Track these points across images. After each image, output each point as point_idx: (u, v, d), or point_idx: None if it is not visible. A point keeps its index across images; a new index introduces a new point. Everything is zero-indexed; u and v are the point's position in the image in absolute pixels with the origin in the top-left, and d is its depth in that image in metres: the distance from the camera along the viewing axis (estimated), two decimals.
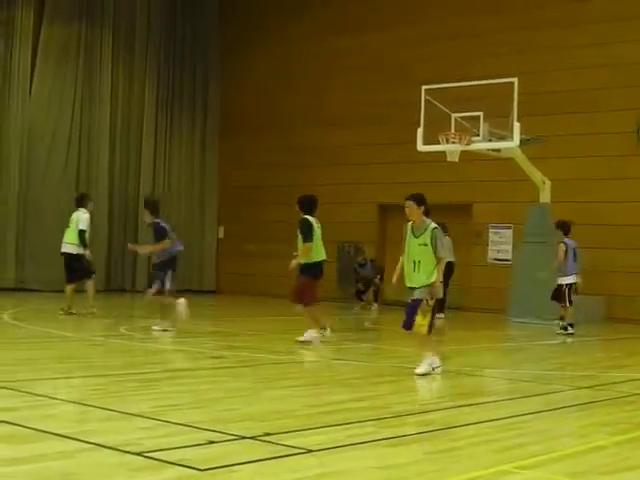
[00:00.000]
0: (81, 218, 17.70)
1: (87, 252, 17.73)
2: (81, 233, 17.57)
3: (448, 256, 21.14)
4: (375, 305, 23.30)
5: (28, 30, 25.65)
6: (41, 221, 25.68)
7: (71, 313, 17.31)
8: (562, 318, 17.82)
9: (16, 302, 21.70)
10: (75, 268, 17.75)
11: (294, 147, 27.64)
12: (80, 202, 18.21)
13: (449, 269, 20.89)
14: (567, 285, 17.70)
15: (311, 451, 6.29)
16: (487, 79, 19.46)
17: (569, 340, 16.94)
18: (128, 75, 27.96)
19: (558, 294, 17.82)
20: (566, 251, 17.66)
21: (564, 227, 18.17)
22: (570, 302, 17.62)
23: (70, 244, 17.82)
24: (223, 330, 17.52)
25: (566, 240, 17.90)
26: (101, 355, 12.21)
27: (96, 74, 27.02)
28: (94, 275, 18.38)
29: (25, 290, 24.68)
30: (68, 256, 17.87)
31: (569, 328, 17.43)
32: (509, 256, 22.67)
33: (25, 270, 25.36)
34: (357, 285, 24.08)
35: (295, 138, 27.67)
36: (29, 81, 25.78)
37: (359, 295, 23.99)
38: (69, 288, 17.72)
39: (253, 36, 29.00)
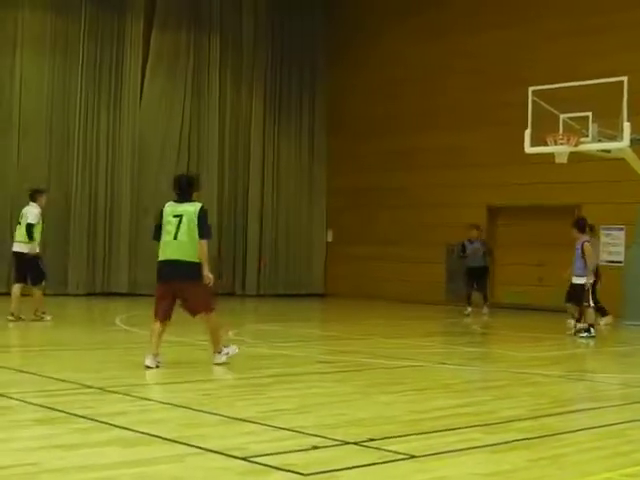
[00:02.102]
0: (31, 212, 16.71)
1: (38, 249, 16.75)
2: (29, 227, 16.49)
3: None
4: (486, 308, 22.38)
5: (138, 39, 26.26)
6: (152, 228, 26.16)
7: (20, 319, 16.52)
8: (578, 320, 17.25)
9: (128, 306, 22.16)
10: (29, 269, 16.76)
11: (402, 149, 27.58)
12: (32, 197, 17.08)
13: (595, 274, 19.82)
14: (589, 285, 17.14)
15: (414, 457, 6.30)
16: (596, 79, 19.17)
17: (592, 343, 16.25)
18: (236, 80, 28.34)
19: (581, 294, 17.03)
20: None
21: (585, 225, 17.48)
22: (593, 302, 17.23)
23: (21, 242, 16.81)
24: (331, 334, 17.60)
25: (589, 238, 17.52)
26: (210, 360, 12.37)
27: (204, 80, 27.48)
28: (45, 281, 17.44)
29: (137, 295, 25.17)
30: (19, 255, 16.83)
31: (591, 330, 16.70)
32: (621, 257, 22.24)
33: (138, 275, 25.89)
34: (466, 280, 22.82)
35: (403, 140, 27.61)
36: (139, 90, 26.34)
37: (469, 297, 22.62)
38: (17, 288, 16.72)
39: (361, 37, 29.09)
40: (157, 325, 10.71)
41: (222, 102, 27.89)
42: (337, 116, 29.73)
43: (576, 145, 18.82)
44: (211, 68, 27.62)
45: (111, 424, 7.14)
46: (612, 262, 22.83)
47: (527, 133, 19.61)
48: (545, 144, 19.24)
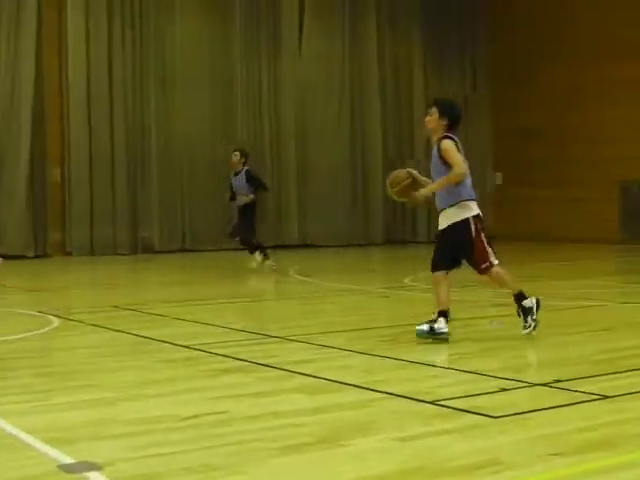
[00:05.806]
0: None
1: None
2: None
3: None
4: (258, 257, 17.56)
5: None
6: (319, 176, 26.31)
7: None
8: None
9: (300, 258, 22.38)
10: None
11: (570, 85, 26.58)
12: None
13: None
14: None
15: (607, 397, 6.12)
16: None
17: None
18: (393, 30, 28.00)
19: None
20: None
21: None
22: None
23: None
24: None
25: None
26: (387, 307, 12.38)
27: (362, 29, 27.28)
28: None
29: (308, 246, 25.40)
30: None
31: None
32: None
33: (307, 226, 26.09)
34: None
35: (571, 75, 26.53)
36: (298, 41, 26.35)
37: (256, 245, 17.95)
38: None
39: None
40: None
41: (380, 52, 27.63)
42: (500, 53, 28.85)
43: None
44: (368, 18, 27.38)
45: (295, 372, 7.20)
46: None
47: None
48: None
